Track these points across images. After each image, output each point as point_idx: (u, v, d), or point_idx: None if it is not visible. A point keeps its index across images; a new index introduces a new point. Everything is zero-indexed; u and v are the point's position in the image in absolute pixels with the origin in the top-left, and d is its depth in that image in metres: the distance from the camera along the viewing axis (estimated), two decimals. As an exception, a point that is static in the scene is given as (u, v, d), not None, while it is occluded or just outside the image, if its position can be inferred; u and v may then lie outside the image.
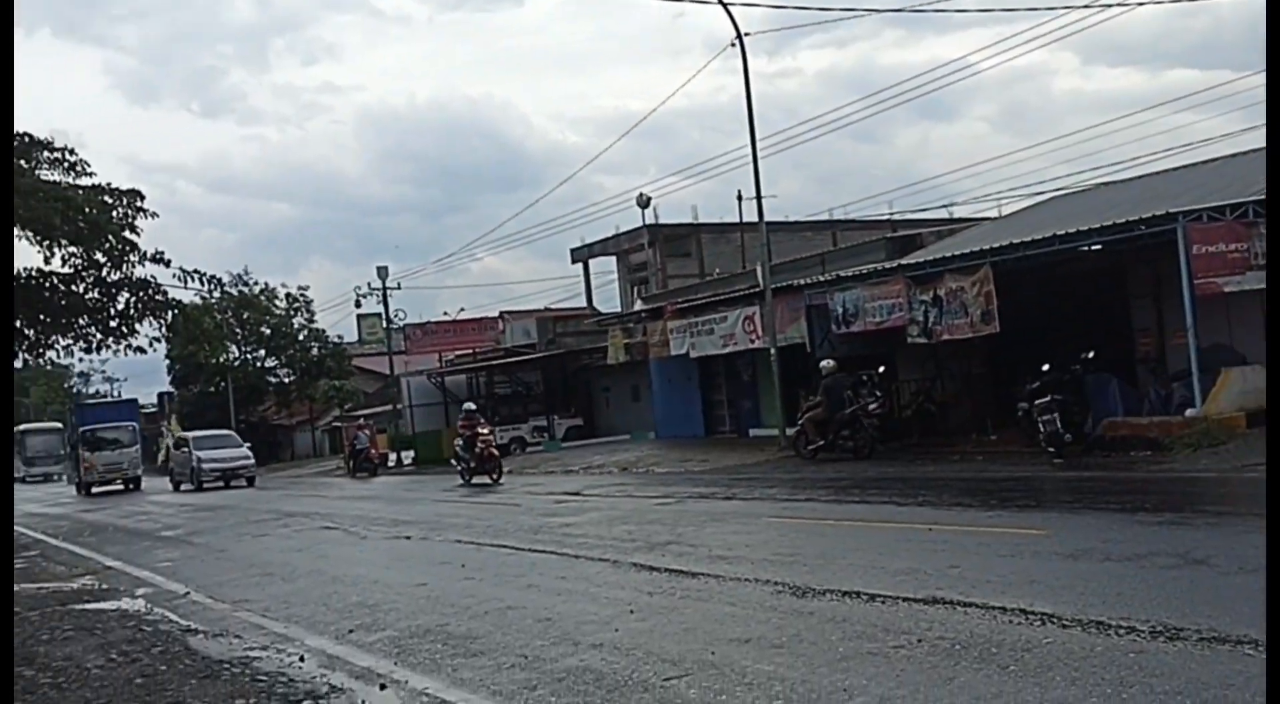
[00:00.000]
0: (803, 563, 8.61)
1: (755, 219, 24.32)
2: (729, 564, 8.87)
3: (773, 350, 22.38)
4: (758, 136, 22.79)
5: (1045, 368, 15.50)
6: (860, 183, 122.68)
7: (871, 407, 19.29)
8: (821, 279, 21.89)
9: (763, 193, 23.15)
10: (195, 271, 24.28)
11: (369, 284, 42.44)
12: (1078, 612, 6.07)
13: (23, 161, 21.46)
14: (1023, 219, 23.88)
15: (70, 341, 24.11)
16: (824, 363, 19.79)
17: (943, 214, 36.73)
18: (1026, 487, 12.85)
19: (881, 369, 20.08)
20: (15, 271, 21.61)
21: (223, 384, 50.05)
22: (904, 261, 20.58)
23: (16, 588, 11.69)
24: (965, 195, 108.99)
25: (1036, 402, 15.28)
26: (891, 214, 41.35)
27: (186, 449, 33.98)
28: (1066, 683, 4.82)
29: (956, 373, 21.16)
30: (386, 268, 41.93)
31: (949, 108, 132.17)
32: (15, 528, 21.71)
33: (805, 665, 5.55)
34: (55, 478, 53.66)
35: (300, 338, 52.02)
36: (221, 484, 31.50)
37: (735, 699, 5.10)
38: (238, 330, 51.28)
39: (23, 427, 61.60)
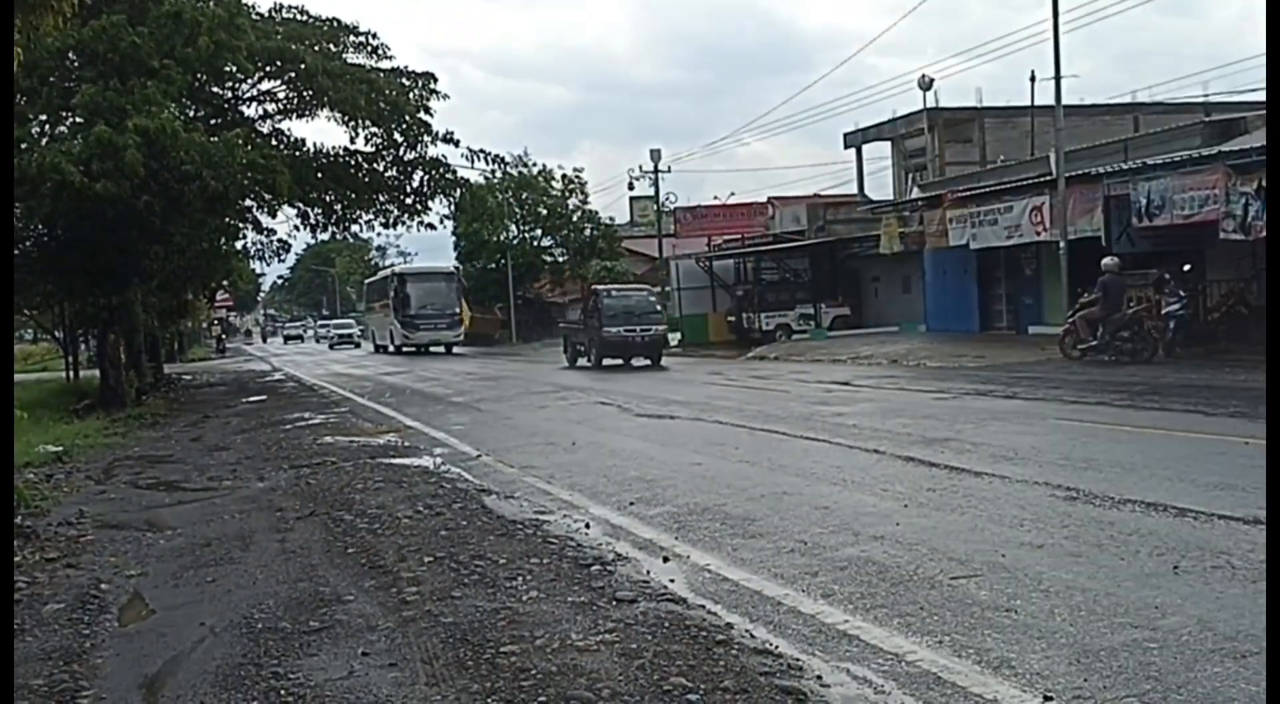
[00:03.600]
0: (1097, 470, 8.09)
1: (1046, 102, 22.57)
2: (1014, 465, 8.48)
3: (1062, 243, 20.96)
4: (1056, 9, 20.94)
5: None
6: (1168, 62, 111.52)
7: (1173, 307, 17.79)
8: (1124, 167, 20.12)
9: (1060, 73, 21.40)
10: (481, 152, 25.43)
11: (640, 167, 42.99)
12: None
13: (331, 45, 22.90)
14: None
15: (371, 216, 26.00)
16: (1106, 260, 18.36)
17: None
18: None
19: (1187, 267, 18.42)
20: (326, 150, 23.39)
21: (502, 261, 52.46)
22: (1224, 148, 18.53)
23: (331, 440, 12.93)
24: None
25: (1378, 309, 13.52)
26: (1206, 96, 37.32)
27: None
28: None
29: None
30: (660, 151, 42.28)
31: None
32: (327, 387, 23.95)
33: (1108, 577, 5.23)
34: (445, 349, 41.83)
35: (574, 219, 53.59)
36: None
37: (1031, 605, 4.88)
38: (517, 210, 53.40)
39: (399, 269, 47.51)
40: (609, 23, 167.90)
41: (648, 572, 5.90)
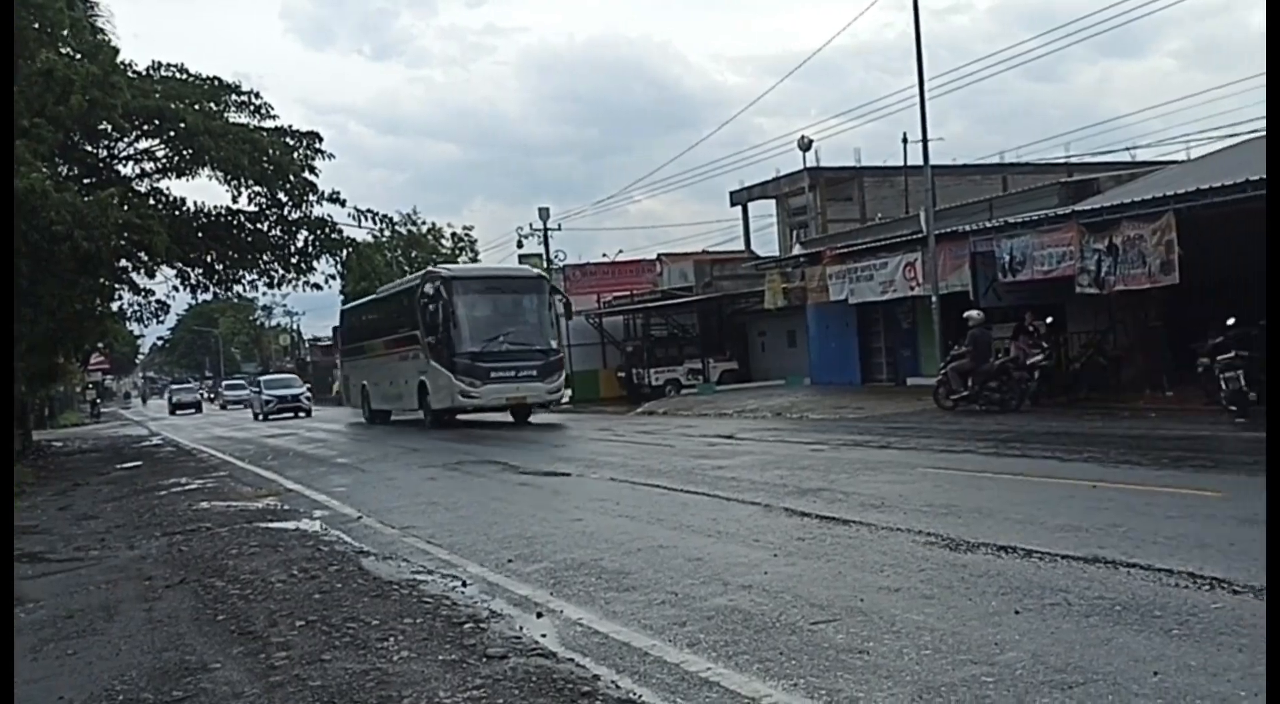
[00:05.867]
0: (957, 515, 8.48)
1: (920, 162, 23.62)
2: (881, 513, 8.81)
3: (934, 298, 21.83)
4: (925, 75, 22.05)
5: (1230, 322, 14.65)
6: (1034, 124, 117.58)
7: (1037, 358, 18.66)
8: (988, 225, 21.14)
9: (929, 135, 22.49)
10: (368, 211, 25.40)
11: (530, 225, 43.29)
12: (1251, 578, 5.81)
13: (212, 104, 22.72)
14: (1212, 163, 22.39)
15: (255, 277, 25.66)
16: (970, 313, 19.27)
17: (1125, 157, 34.81)
18: (1203, 446, 12.24)
19: (1049, 320, 19.36)
20: (207, 210, 23.07)
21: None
22: (1078, 207, 19.64)
23: (207, 505, 12.65)
24: (1150, 137, 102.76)
25: (1219, 357, 14.49)
26: (1068, 157, 39.46)
27: None
28: (1234, 650, 4.65)
29: (1131, 325, 20.19)
30: (548, 209, 42.69)
31: (1134, 43, 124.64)
32: (206, 450, 23.35)
33: (955, 617, 5.51)
34: (515, 416, 25.52)
35: (465, 277, 53.43)
36: None
37: (883, 646, 5.11)
38: (406, 268, 53.10)
39: (444, 270, 26.03)
40: (497, 80, 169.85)
41: (520, 628, 5.98)
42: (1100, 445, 12.55)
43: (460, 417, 25.32)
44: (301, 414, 39.18)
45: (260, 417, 39.62)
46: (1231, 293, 15.88)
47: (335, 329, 41.92)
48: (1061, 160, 38.77)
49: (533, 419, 26.05)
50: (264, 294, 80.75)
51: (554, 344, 25.23)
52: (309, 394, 41.93)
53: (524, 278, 26.50)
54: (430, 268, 26.76)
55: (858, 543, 7.67)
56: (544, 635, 5.80)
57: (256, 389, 42.99)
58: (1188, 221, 16.33)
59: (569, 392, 35.61)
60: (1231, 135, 29.57)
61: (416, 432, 24.85)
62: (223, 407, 57.13)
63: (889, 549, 7.36)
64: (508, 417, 25.98)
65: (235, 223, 23.54)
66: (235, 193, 22.78)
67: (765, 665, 4.99)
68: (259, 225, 23.89)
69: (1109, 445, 12.49)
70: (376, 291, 32.33)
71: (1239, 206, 16.10)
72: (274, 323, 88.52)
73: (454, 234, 54.16)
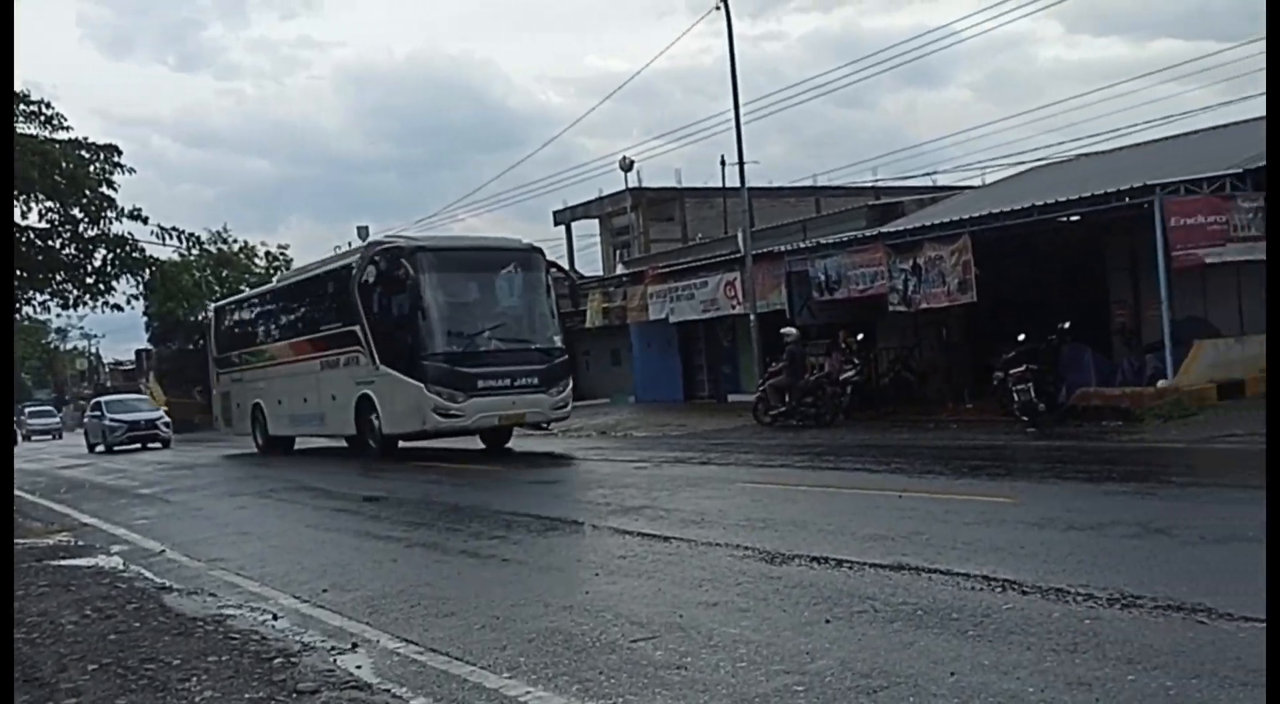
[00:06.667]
0: (774, 528, 8.71)
1: (738, 184, 24.30)
2: (701, 529, 8.96)
3: (752, 316, 22.46)
4: (741, 100, 22.76)
5: (1021, 337, 15.66)
6: (845, 149, 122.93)
7: (849, 373, 19.43)
8: (802, 245, 21.94)
9: (746, 158, 23.20)
10: (173, 229, 24.08)
11: (349, 243, 42.22)
12: (1038, 579, 6.19)
13: (-4, 114, 21.18)
14: (1004, 189, 23.96)
15: (47, 297, 23.95)
16: (786, 330, 19.95)
17: (926, 182, 36.80)
18: (998, 455, 13.02)
19: (860, 336, 20.22)
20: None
21: (202, 341, 49.64)
22: (884, 229, 20.64)
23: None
24: (950, 163, 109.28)
25: (1011, 371, 15.45)
26: (875, 181, 41.43)
27: None
28: (1022, 648, 4.93)
29: (935, 342, 21.31)
30: (368, 227, 41.67)
31: (934, 74, 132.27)
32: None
33: (770, 629, 5.65)
34: (491, 437, 19.82)
35: (281, 296, 51.52)
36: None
37: (700, 661, 5.19)
38: (217, 288, 50.86)
39: (401, 239, 19.18)
40: (313, 95, 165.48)
41: (334, 660, 5.78)
42: (907, 456, 13.17)
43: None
44: (157, 445, 32.35)
45: (103, 448, 32.32)
46: (1024, 310, 17.00)
47: (138, 353, 38.12)
48: (870, 184, 40.69)
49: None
50: (58, 316, 75.43)
51: (558, 341, 19.03)
52: (167, 419, 34.80)
53: (513, 250, 19.39)
54: (378, 239, 20.37)
55: (678, 559, 7.77)
56: (359, 667, 5.61)
57: (96, 414, 34.55)
58: (983, 243, 17.38)
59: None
60: (1020, 163, 31.70)
61: (226, 463, 23.78)
62: (26, 437, 49.98)
63: (708, 564, 7.49)
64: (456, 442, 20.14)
65: (23, 240, 21.96)
66: (24, 208, 21.29)
67: (585, 686, 4.98)
68: (50, 243, 22.34)
69: (915, 456, 13.11)
70: (280, 276, 25.69)
71: (1027, 230, 17.29)
72: (70, 346, 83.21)
73: (268, 252, 52.28)
